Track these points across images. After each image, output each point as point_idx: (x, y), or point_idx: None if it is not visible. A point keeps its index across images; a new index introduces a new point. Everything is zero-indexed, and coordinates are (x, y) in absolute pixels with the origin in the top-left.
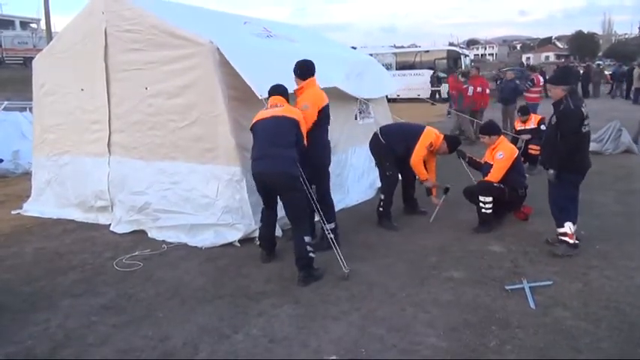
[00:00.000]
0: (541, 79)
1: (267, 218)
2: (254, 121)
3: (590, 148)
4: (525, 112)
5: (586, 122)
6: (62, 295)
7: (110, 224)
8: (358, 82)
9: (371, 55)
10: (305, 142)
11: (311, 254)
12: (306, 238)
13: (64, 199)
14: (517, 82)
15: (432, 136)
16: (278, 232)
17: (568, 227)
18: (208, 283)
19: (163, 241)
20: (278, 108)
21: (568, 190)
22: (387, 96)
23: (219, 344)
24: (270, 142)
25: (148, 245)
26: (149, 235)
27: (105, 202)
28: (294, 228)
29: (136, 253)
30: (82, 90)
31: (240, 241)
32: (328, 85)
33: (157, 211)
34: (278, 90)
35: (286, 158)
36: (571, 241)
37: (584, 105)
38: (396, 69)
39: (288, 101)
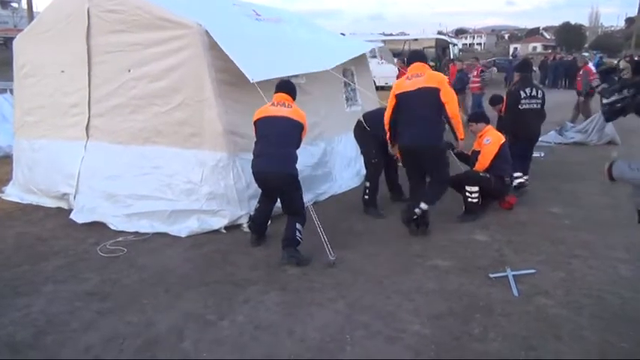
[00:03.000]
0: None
1: (265, 205)
2: (259, 116)
3: (576, 139)
4: (494, 101)
5: (525, 102)
6: (45, 281)
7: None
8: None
9: None
10: (299, 146)
11: (298, 238)
12: (298, 225)
13: (33, 183)
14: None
15: None
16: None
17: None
18: (194, 269)
19: (134, 233)
20: (286, 108)
21: (516, 151)
22: (375, 83)
23: (204, 331)
24: (274, 141)
25: (132, 231)
26: (112, 227)
27: (71, 188)
28: (289, 216)
29: (120, 239)
30: (63, 72)
31: (226, 227)
32: (318, 69)
33: (131, 197)
34: (286, 87)
35: (287, 158)
36: (515, 183)
37: (529, 89)
38: None
39: (294, 99)
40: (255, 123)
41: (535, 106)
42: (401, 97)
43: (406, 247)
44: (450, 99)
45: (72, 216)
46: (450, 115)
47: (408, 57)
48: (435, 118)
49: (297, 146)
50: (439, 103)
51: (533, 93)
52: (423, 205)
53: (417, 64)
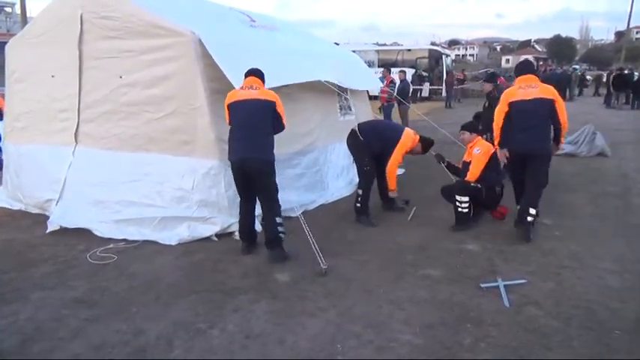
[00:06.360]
0: (395, 78)
1: (245, 212)
2: (231, 100)
3: (566, 151)
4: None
5: None
6: (33, 288)
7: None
8: (341, 75)
9: (354, 52)
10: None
11: (281, 234)
12: (277, 219)
13: (19, 190)
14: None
15: (408, 142)
16: (257, 227)
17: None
18: (184, 277)
19: (124, 240)
20: (254, 90)
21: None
22: (368, 93)
23: (194, 340)
24: (249, 126)
25: (120, 238)
26: (97, 233)
27: (55, 193)
28: (265, 210)
29: (110, 246)
30: (53, 77)
31: (217, 235)
32: (311, 78)
33: (119, 203)
34: (256, 72)
35: (264, 144)
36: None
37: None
38: (378, 66)
39: (264, 83)
40: (228, 107)
41: None
42: (515, 106)
43: (398, 256)
44: (562, 110)
45: (50, 221)
46: (561, 123)
47: (518, 67)
48: (545, 126)
49: (274, 127)
50: (552, 113)
51: None
52: (532, 210)
53: (529, 76)
